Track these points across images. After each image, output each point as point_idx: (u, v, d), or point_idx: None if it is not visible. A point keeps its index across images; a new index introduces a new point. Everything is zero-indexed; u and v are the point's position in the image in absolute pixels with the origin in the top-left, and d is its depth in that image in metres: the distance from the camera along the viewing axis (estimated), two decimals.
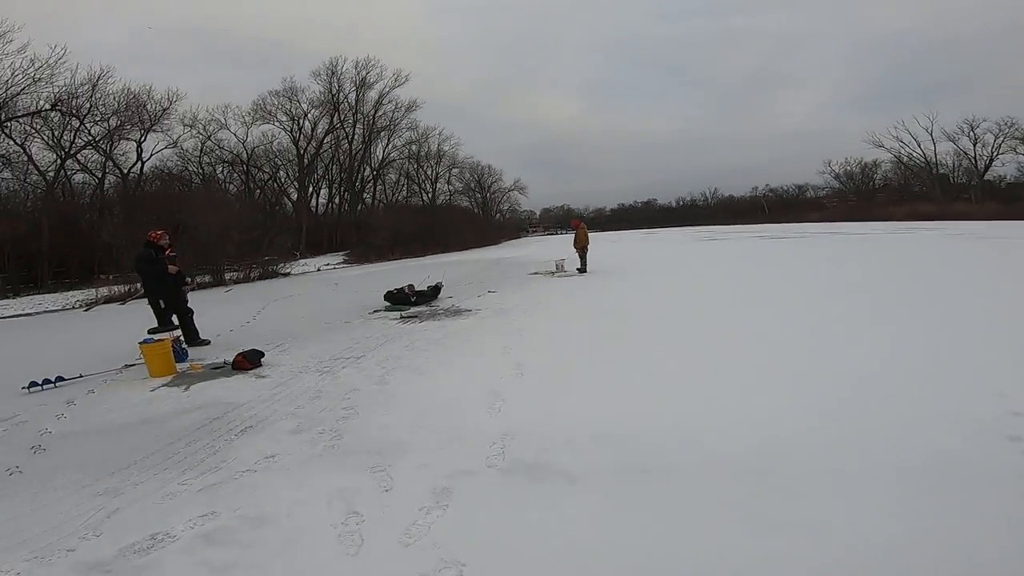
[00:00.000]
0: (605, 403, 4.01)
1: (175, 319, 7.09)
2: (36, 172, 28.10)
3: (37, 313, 14.54)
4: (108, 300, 15.18)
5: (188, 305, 7.34)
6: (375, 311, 9.26)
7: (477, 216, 56.49)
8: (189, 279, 7.36)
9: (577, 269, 13.98)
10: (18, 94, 24.79)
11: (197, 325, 7.38)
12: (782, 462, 2.89)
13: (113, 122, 30.64)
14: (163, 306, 6.98)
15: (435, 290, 10.30)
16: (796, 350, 5.18)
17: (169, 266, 6.99)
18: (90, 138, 30.00)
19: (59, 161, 29.00)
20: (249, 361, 5.61)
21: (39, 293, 20.75)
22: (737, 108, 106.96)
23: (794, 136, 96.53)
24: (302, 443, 3.61)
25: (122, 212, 25.71)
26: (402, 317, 8.37)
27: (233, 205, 27.88)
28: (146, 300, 6.99)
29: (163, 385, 5.35)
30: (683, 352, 5.38)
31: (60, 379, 5.45)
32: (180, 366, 5.89)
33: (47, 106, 26.29)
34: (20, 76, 24.43)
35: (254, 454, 3.46)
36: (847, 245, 19.21)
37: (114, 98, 30.20)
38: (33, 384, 5.26)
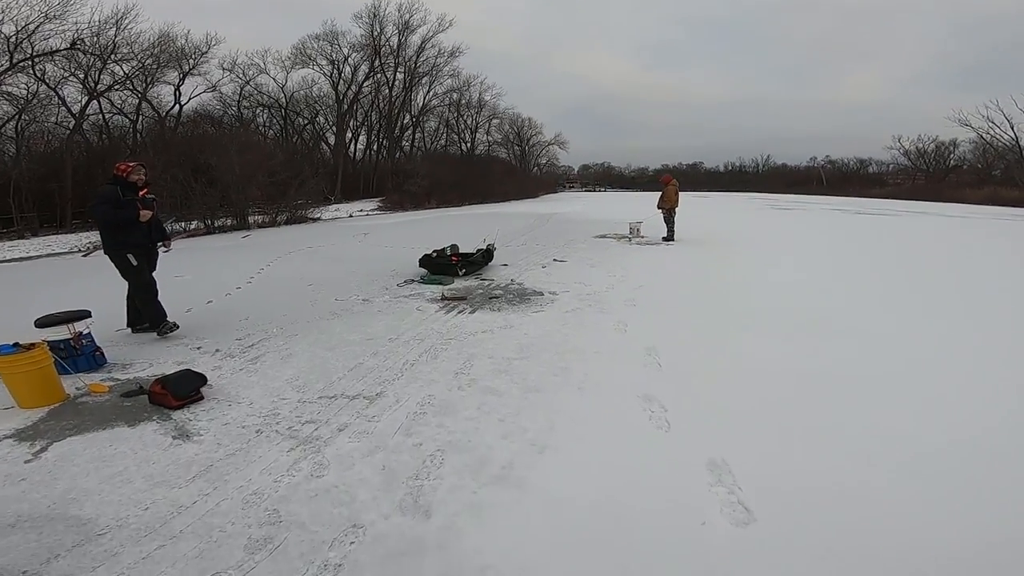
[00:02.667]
0: None
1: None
2: (69, 114, 25.91)
3: (36, 256, 12.33)
4: None
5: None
6: (406, 281, 6.51)
7: (517, 168, 52.96)
8: (169, 234, 5.10)
9: (663, 238, 10.72)
10: (32, 33, 22.09)
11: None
12: None
13: (149, 63, 28.22)
14: (136, 269, 4.41)
15: (487, 255, 7.46)
16: None
17: (141, 211, 4.36)
18: (115, 79, 27.43)
19: (84, 101, 26.60)
20: (174, 396, 2.94)
21: (59, 234, 18.90)
22: (801, 76, 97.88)
23: (860, 109, 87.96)
24: None
25: (151, 153, 23.54)
26: (444, 298, 5.60)
27: (261, 146, 25.24)
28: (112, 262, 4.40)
29: (14, 432, 2.75)
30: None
31: None
32: (79, 383, 3.28)
33: (65, 46, 23.61)
34: (34, 13, 21.69)
35: None
36: (964, 228, 15.46)
37: (148, 38, 27.71)
38: None
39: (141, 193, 4.45)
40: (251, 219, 17.24)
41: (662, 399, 3.09)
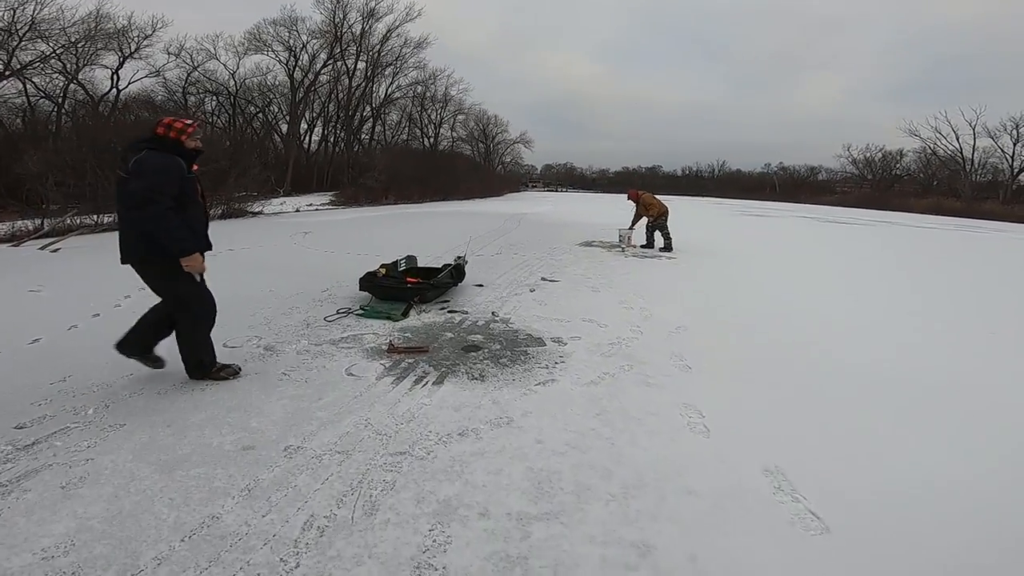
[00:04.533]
0: None
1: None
2: None
3: None
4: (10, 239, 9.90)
5: None
6: (339, 312, 4.31)
7: (482, 165, 50.71)
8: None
9: (659, 248, 9.07)
10: None
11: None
12: None
13: (80, 43, 24.65)
14: (199, 284, 2.84)
15: (457, 272, 5.35)
16: None
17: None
18: (39, 56, 23.52)
19: None
20: None
21: None
22: (758, 86, 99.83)
23: (814, 120, 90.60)
24: None
25: (75, 139, 20.07)
26: (393, 349, 3.48)
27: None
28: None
29: None
30: None
31: None
32: None
33: None
34: None
35: None
36: (933, 239, 14.52)
37: (78, 15, 24.21)
38: None
39: (195, 168, 2.78)
40: None
41: None
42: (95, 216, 11.43)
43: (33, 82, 24.61)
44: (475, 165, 47.39)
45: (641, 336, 3.97)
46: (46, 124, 24.79)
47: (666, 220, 9.18)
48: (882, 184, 49.17)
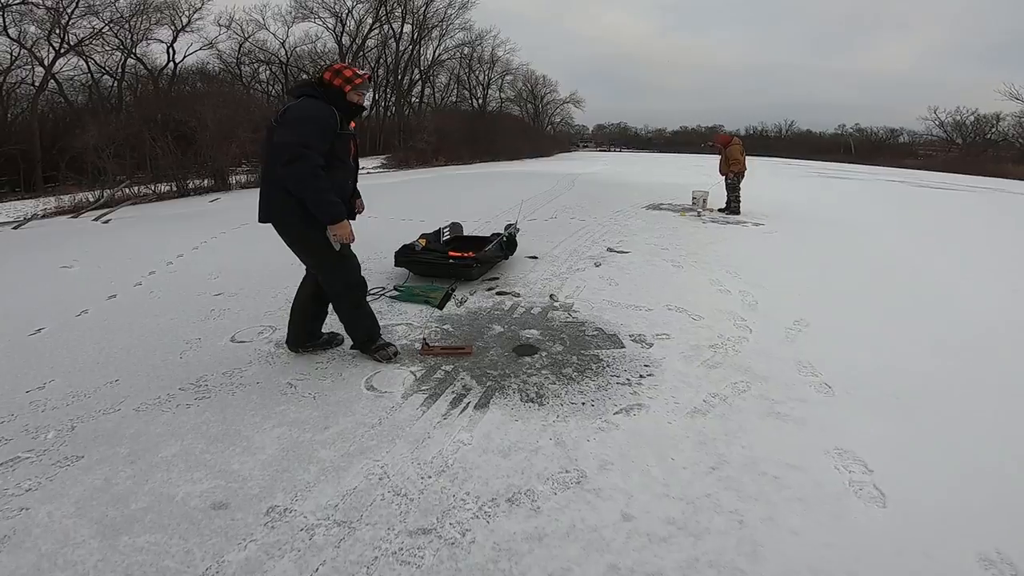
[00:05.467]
0: None
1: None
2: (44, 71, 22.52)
3: None
4: (61, 211, 9.95)
5: None
6: (371, 292, 3.55)
7: (530, 125, 49.02)
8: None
9: (719, 210, 7.94)
10: None
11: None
12: None
13: (130, 17, 24.86)
14: (343, 255, 2.42)
15: (508, 244, 4.42)
16: None
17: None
18: (93, 32, 23.72)
19: (51, 58, 23.02)
20: None
21: (24, 199, 16.06)
22: (832, 45, 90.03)
23: (891, 82, 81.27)
24: None
25: (136, 111, 20.43)
26: (427, 349, 2.63)
27: (244, 99, 21.83)
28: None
29: None
30: None
31: None
32: None
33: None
34: None
35: None
36: None
37: None
38: None
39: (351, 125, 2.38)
40: (234, 179, 14.23)
41: None
42: (152, 185, 11.50)
43: (93, 59, 25.16)
44: (524, 125, 45.89)
45: (750, 334, 2.97)
46: (108, 99, 25.46)
47: (740, 180, 7.87)
48: (974, 149, 43.83)
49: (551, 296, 3.54)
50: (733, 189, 7.84)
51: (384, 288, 3.66)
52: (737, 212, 7.74)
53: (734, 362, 2.62)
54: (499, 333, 2.89)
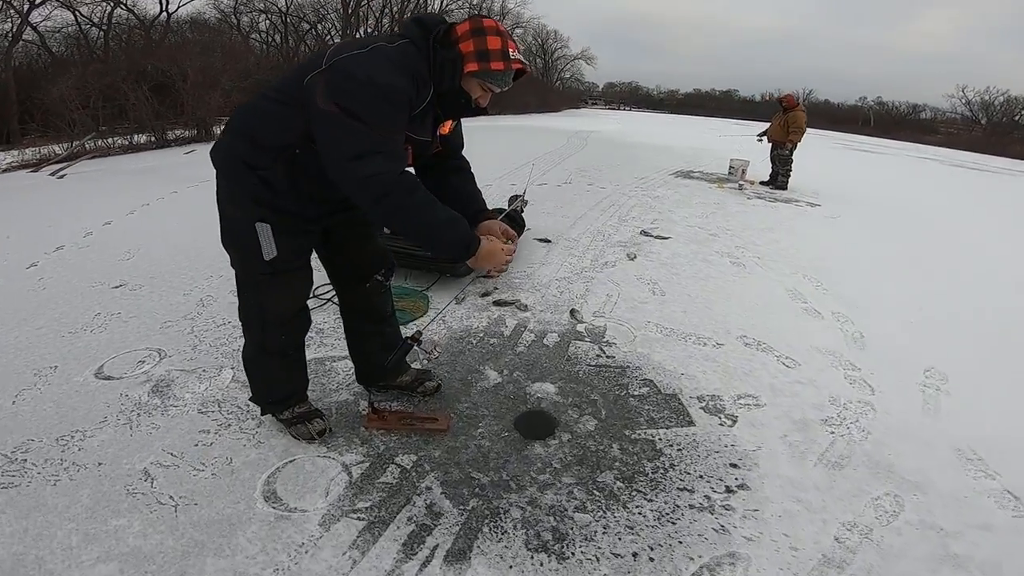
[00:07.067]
0: None
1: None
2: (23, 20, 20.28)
3: None
4: (25, 165, 8.70)
5: None
6: (316, 297, 2.48)
7: (539, 80, 46.68)
8: None
9: (762, 183, 6.78)
10: None
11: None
12: None
13: None
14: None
15: (512, 225, 3.32)
16: None
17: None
18: None
19: (27, 8, 20.63)
20: None
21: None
22: (855, 14, 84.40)
23: (917, 56, 76.91)
24: None
25: (122, 62, 18.45)
26: (375, 416, 1.58)
27: (229, 46, 19.99)
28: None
29: None
30: None
31: None
32: None
33: None
34: None
35: None
36: None
37: None
38: None
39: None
40: (217, 129, 12.85)
41: None
42: (130, 137, 10.31)
43: (80, 11, 22.81)
44: (532, 79, 43.88)
45: (873, 397, 1.93)
46: (95, 50, 23.31)
47: (793, 151, 6.67)
48: (999, 129, 41.97)
49: (572, 312, 2.46)
50: (786, 162, 6.65)
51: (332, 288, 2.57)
52: (784, 188, 6.58)
53: (865, 454, 1.60)
54: (493, 386, 1.83)
